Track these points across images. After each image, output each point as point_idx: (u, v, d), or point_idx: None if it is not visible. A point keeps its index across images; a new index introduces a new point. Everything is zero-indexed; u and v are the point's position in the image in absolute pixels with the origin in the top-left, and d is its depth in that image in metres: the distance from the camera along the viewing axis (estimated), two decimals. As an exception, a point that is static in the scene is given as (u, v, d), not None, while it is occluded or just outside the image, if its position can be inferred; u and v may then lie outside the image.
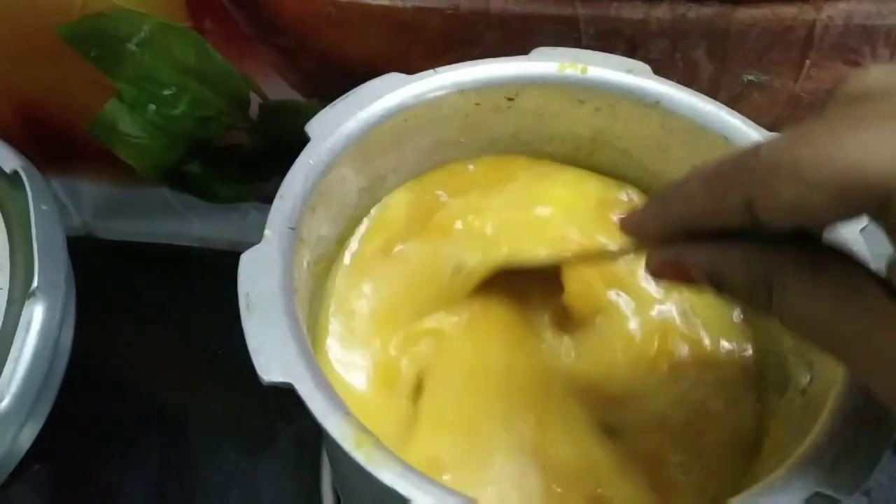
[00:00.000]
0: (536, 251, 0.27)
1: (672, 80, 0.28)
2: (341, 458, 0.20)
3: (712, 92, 0.33)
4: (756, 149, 0.16)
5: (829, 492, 0.18)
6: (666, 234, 0.19)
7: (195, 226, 0.41)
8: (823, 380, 0.22)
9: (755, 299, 0.17)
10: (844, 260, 0.17)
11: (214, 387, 0.38)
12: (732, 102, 0.33)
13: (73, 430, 0.35)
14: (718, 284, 0.18)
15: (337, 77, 0.33)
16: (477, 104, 0.29)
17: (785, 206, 0.15)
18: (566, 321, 0.27)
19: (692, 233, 0.18)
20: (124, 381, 0.39)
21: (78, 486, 0.35)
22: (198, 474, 0.36)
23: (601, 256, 0.27)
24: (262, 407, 0.37)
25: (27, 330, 0.26)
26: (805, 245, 0.17)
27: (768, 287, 0.17)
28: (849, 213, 0.15)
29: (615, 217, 0.28)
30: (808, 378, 0.23)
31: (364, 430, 0.19)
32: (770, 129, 0.27)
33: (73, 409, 0.32)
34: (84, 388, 0.32)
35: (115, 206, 0.41)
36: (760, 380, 0.26)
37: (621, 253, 0.25)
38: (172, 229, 0.42)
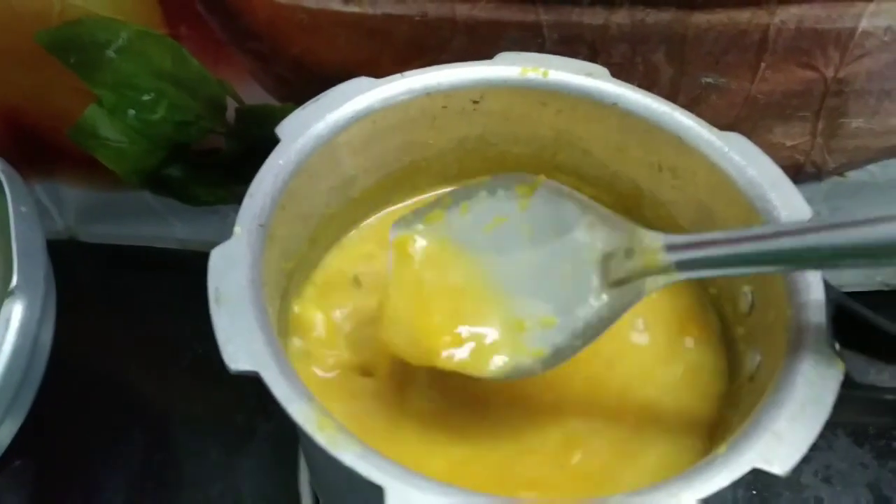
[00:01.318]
0: None
1: (633, 84, 0.29)
2: (310, 446, 0.21)
3: (672, 94, 0.34)
4: None
5: (765, 468, 0.19)
6: None
7: (176, 228, 0.42)
8: (768, 366, 0.23)
9: None
10: None
11: (195, 385, 0.39)
12: (692, 104, 0.34)
13: (54, 428, 0.35)
14: None
15: (311, 82, 0.34)
16: (444, 107, 0.30)
17: None
18: None
19: None
20: (106, 379, 0.39)
21: (59, 482, 0.35)
22: (179, 471, 0.37)
23: None
24: (242, 404, 0.38)
25: (6, 328, 0.27)
26: None
27: None
28: None
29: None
30: (756, 365, 0.25)
31: (327, 414, 0.20)
32: (728, 129, 0.28)
33: (55, 407, 0.32)
34: (66, 387, 0.32)
35: (98, 209, 0.42)
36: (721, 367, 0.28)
37: None
38: (154, 232, 0.43)
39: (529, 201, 0.26)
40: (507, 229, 0.25)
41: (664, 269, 0.22)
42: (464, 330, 0.23)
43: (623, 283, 0.23)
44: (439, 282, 0.25)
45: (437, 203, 0.26)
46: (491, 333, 0.24)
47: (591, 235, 0.24)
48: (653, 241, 0.22)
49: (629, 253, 0.23)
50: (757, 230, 0.23)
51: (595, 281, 0.23)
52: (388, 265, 0.25)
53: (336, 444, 0.19)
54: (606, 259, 0.23)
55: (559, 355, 0.23)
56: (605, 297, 0.23)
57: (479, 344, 0.23)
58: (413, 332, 0.24)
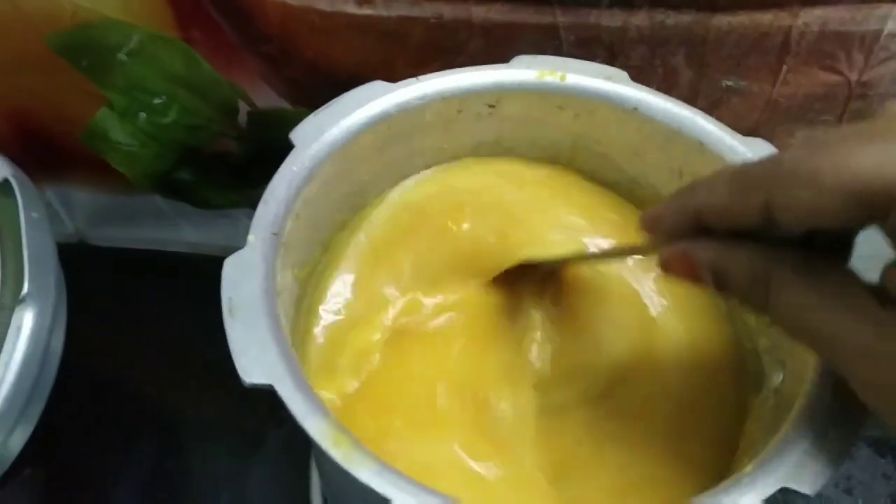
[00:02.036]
0: (556, 248, 0.28)
1: (652, 87, 0.29)
2: (324, 460, 0.20)
3: (691, 97, 0.34)
4: (779, 156, 0.19)
5: (794, 487, 0.18)
6: (680, 228, 0.21)
7: (187, 232, 0.42)
8: (794, 379, 0.22)
9: (752, 296, 0.19)
10: (838, 267, 0.19)
11: (205, 391, 0.38)
12: (711, 108, 0.34)
13: (65, 435, 0.35)
14: (720, 279, 0.20)
15: (323, 85, 0.34)
16: (459, 111, 0.30)
17: (802, 208, 0.17)
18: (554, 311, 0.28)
19: (705, 229, 0.20)
20: (116, 386, 0.39)
21: (69, 489, 0.35)
22: (189, 478, 0.36)
23: (616, 254, 0.28)
24: (252, 411, 0.37)
25: (17, 335, 0.27)
26: (804, 251, 0.19)
27: (766, 285, 0.19)
28: (858, 218, 0.17)
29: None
30: (781, 377, 0.24)
31: (343, 430, 0.20)
32: (749, 134, 0.27)
33: (66, 414, 0.32)
34: (76, 394, 0.32)
35: (108, 213, 0.42)
36: (740, 380, 0.27)
37: (634, 251, 0.26)
38: (164, 236, 0.42)
39: None
40: None
41: None
42: None
43: None
44: None
45: None
46: None
47: None
48: None
49: None
50: None
51: None
52: None
53: (352, 460, 0.19)
54: None
55: None
56: None
57: None
58: None
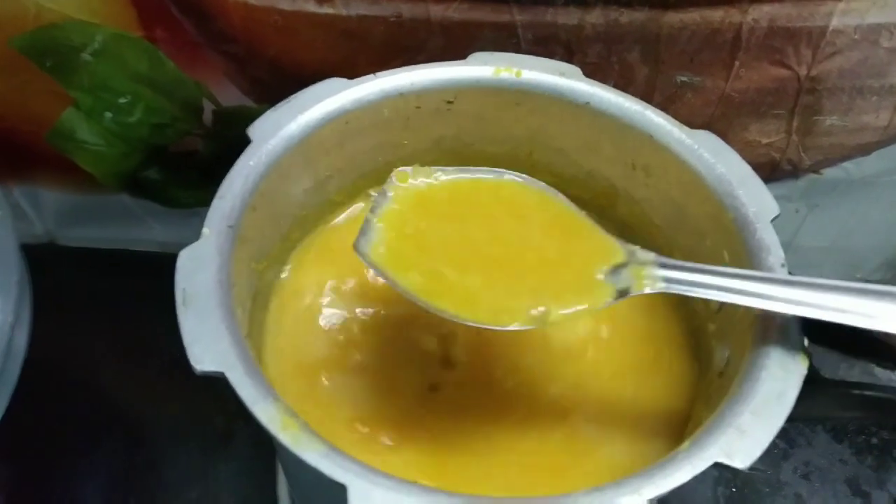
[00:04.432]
0: None
1: (609, 83, 0.29)
2: (281, 449, 0.21)
3: (648, 93, 0.34)
4: None
5: (727, 462, 0.19)
6: None
7: (156, 231, 0.42)
8: (736, 362, 0.23)
9: None
10: None
11: (174, 388, 0.39)
12: (667, 103, 0.35)
13: (32, 434, 0.35)
14: None
15: (287, 83, 0.34)
16: (417, 107, 0.30)
17: None
18: None
19: None
20: (85, 384, 0.39)
21: (36, 487, 0.35)
22: (158, 475, 0.37)
23: None
24: (221, 407, 0.38)
25: (-23, 331, 0.27)
26: None
27: None
28: None
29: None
30: (726, 361, 0.25)
31: (292, 414, 0.20)
32: (704, 127, 0.28)
33: (32, 413, 0.32)
34: (42, 391, 0.32)
35: (77, 212, 0.42)
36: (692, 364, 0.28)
37: None
38: (134, 235, 0.43)
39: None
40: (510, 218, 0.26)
41: (652, 281, 0.23)
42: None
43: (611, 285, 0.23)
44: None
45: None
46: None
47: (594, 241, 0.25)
48: (646, 256, 0.24)
49: (624, 263, 0.24)
50: (749, 273, 0.23)
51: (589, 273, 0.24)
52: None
53: (299, 443, 0.19)
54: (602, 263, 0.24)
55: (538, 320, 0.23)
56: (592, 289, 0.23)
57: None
58: None
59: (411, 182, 0.25)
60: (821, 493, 0.36)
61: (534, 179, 0.26)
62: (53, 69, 0.34)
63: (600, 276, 0.23)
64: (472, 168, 0.27)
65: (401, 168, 0.26)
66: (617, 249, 0.24)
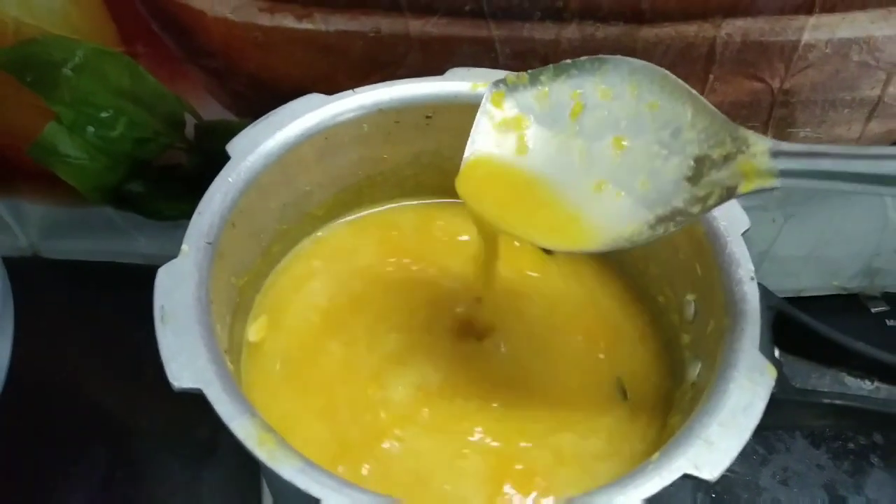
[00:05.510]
0: None
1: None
2: (262, 466, 0.21)
3: (625, 106, 0.35)
4: None
5: (696, 474, 0.19)
6: None
7: (140, 244, 0.42)
8: (706, 373, 0.24)
9: None
10: None
11: (157, 401, 0.38)
12: (643, 115, 0.35)
13: (13, 445, 0.35)
14: None
15: (267, 98, 0.34)
16: (397, 122, 0.30)
17: None
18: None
19: None
20: (69, 396, 0.39)
21: (21, 499, 0.35)
22: (142, 486, 0.37)
23: None
24: (204, 419, 0.38)
25: (-43, 347, 0.27)
26: None
27: None
28: None
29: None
30: (698, 371, 0.25)
31: (269, 430, 0.20)
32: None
33: (14, 425, 0.32)
34: (29, 404, 0.32)
35: (61, 225, 0.42)
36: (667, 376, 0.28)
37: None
38: (118, 247, 0.43)
39: (637, 89, 0.25)
40: (603, 113, 0.25)
41: (764, 175, 0.21)
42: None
43: (715, 184, 0.21)
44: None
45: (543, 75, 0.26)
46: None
47: (693, 132, 0.23)
48: (759, 144, 0.21)
49: (730, 155, 0.21)
50: (871, 150, 0.20)
51: (687, 173, 0.22)
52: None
53: (275, 458, 0.20)
54: (703, 157, 0.22)
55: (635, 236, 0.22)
56: (694, 191, 0.22)
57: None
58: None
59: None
60: (799, 499, 0.36)
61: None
62: (34, 84, 0.35)
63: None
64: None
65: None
66: (723, 139, 0.21)
